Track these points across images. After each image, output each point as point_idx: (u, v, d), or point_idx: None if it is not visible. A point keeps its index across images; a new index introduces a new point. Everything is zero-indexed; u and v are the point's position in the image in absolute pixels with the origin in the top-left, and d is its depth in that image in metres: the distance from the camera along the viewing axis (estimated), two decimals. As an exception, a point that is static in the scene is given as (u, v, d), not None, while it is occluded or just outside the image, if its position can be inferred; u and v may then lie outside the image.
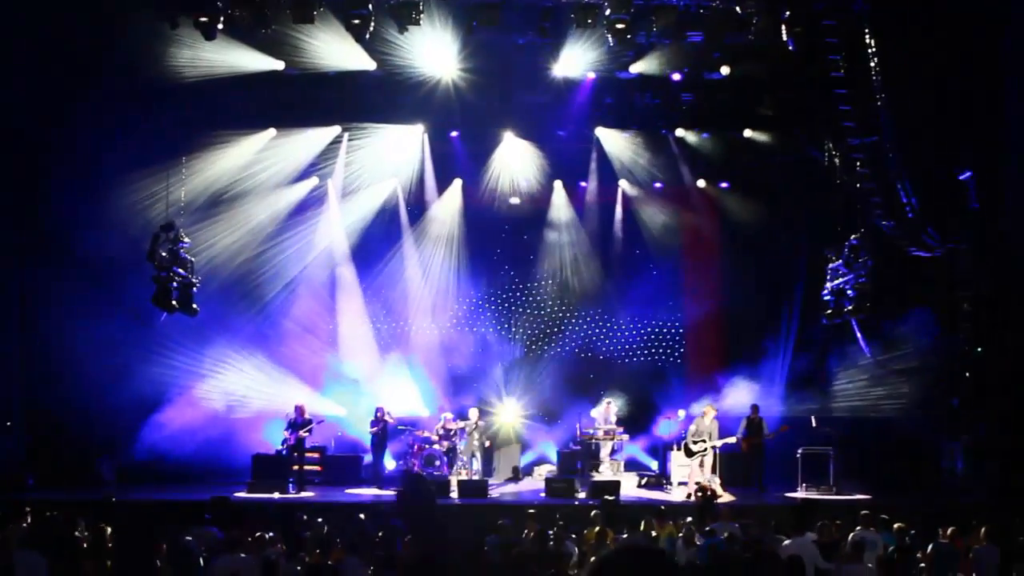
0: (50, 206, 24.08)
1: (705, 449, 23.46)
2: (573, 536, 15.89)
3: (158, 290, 22.64)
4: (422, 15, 21.48)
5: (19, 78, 21.97)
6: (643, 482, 24.97)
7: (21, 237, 24.41)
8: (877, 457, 24.47)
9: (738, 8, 21.79)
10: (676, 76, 25.29)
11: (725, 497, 22.18)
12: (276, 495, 22.39)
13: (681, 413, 26.93)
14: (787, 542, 14.22)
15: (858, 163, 23.87)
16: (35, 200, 24.17)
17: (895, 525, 15.68)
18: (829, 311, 24.46)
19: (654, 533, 15.77)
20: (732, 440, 23.90)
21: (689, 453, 23.64)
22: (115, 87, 22.65)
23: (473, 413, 25.98)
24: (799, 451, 23.78)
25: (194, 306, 23.54)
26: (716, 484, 22.35)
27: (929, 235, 23.47)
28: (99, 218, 23.98)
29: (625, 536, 15.62)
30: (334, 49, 23.51)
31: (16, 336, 24.50)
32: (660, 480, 25.16)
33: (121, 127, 23.33)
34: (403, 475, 23.33)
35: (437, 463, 25.30)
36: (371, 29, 21.32)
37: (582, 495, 22.41)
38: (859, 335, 24.98)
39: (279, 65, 24.16)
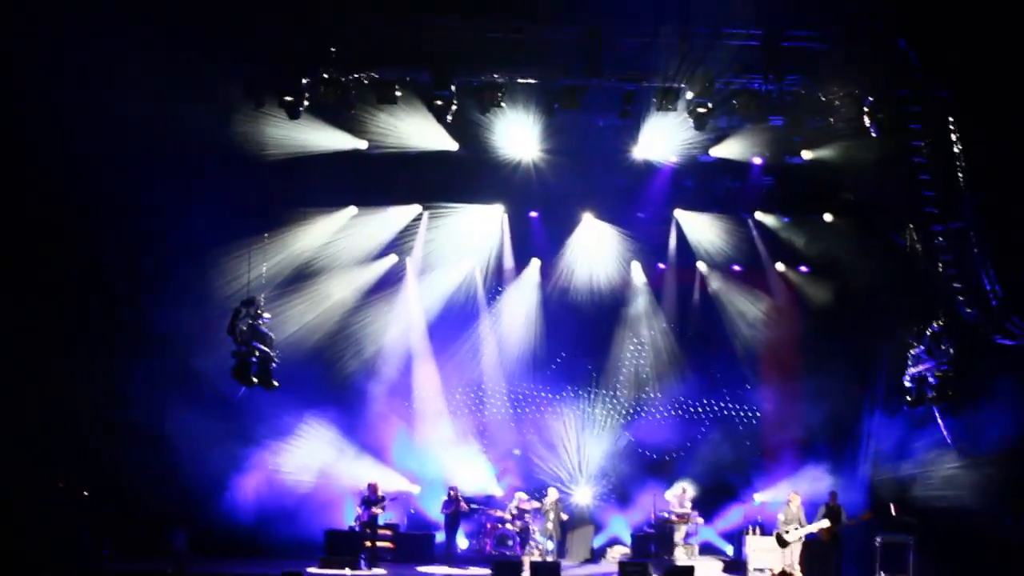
0: (131, 281, 24.48)
1: (800, 537, 23.10)
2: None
3: (238, 364, 22.76)
4: (504, 97, 21.70)
5: (105, 151, 22.33)
6: (724, 567, 24.69)
7: (106, 311, 24.75)
8: (959, 548, 23.89)
9: (820, 93, 21.80)
10: (757, 160, 25.32)
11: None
12: (348, 571, 22.36)
13: (757, 498, 26.67)
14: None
15: (941, 249, 23.64)
16: (116, 274, 24.53)
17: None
18: (910, 398, 24.04)
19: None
20: (825, 525, 23.43)
21: (782, 543, 23.23)
22: (200, 164, 23.08)
23: (552, 493, 25.91)
24: (878, 539, 23.34)
25: (273, 381, 23.67)
26: (797, 572, 22.02)
27: (1013, 323, 23.11)
28: (181, 292, 24.36)
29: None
30: (416, 129, 23.82)
31: (99, 407, 24.76)
32: (739, 565, 24.78)
33: (204, 203, 23.68)
34: None
35: (510, 543, 25.24)
36: (453, 110, 21.60)
37: (656, 580, 22.15)
38: (941, 423, 24.55)
39: (362, 144, 24.52)
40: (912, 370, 23.87)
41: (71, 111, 20.82)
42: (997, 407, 23.91)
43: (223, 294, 24.47)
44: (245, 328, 22.71)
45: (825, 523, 23.32)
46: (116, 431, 24.84)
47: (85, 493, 24.09)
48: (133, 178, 22.85)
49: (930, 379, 23.12)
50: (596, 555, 26.42)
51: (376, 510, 23.89)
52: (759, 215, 27.56)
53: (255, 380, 23.13)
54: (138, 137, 22.40)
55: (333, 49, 21.21)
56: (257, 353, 23.06)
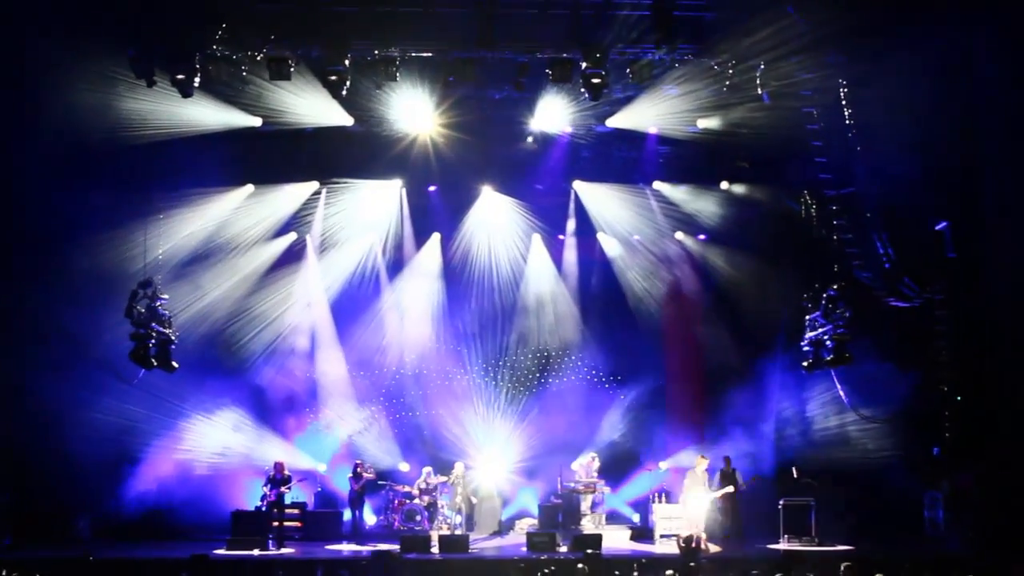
0: (27, 264, 24.05)
1: (703, 503, 23.31)
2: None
3: (136, 347, 22.54)
4: (399, 71, 21.62)
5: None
6: (631, 535, 24.94)
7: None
8: (859, 507, 24.38)
9: (713, 62, 21.98)
10: (652, 130, 25.44)
11: (713, 549, 22.19)
12: (256, 552, 22.17)
13: (662, 465, 26.92)
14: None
15: (835, 214, 24.01)
16: (11, 258, 24.07)
17: (877, 577, 15.64)
18: (808, 362, 24.43)
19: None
20: (730, 490, 23.79)
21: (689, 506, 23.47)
22: (91, 145, 22.65)
23: (459, 467, 25.98)
24: (781, 502, 23.69)
25: (173, 363, 23.44)
26: (703, 537, 22.28)
27: (906, 285, 23.58)
28: (76, 275, 23.97)
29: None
30: (311, 105, 23.61)
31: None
32: (646, 533, 24.99)
33: (97, 185, 23.34)
34: None
35: (418, 518, 25.29)
36: (347, 86, 21.45)
37: (564, 549, 22.28)
38: (839, 385, 24.96)
39: (256, 121, 24.25)
40: (810, 334, 24.24)
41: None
42: (892, 368, 24.40)
43: (120, 276, 24.13)
44: (143, 310, 22.51)
45: (729, 490, 23.70)
46: (13, 419, 24.41)
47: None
48: (25, 161, 22.54)
49: (827, 342, 23.48)
50: (504, 527, 26.47)
51: (283, 489, 23.75)
52: (657, 184, 27.71)
53: (154, 362, 22.95)
54: (25, 123, 22.08)
55: (224, 25, 20.98)
56: (155, 335, 22.85)
